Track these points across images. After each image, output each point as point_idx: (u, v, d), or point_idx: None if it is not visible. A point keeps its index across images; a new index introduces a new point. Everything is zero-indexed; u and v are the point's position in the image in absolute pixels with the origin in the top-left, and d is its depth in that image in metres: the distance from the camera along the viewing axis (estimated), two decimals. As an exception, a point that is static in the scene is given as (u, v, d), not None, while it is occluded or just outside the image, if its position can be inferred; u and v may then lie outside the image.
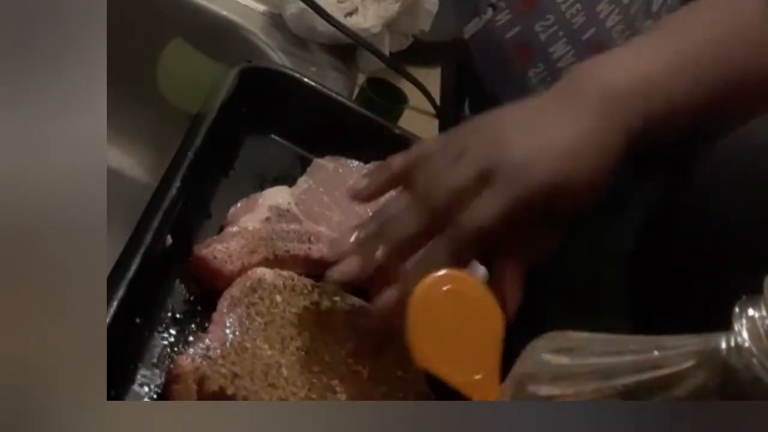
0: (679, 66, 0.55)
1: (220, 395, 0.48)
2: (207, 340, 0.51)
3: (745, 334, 0.33)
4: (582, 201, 0.53)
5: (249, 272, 0.56)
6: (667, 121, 0.54)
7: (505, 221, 0.51)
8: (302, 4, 0.83)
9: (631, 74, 0.54)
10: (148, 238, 0.53)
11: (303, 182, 0.66)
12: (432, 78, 0.98)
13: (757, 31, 0.57)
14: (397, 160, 0.57)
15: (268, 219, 0.60)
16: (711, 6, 0.59)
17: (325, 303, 0.56)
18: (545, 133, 0.53)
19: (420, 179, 0.54)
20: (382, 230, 0.54)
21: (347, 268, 0.54)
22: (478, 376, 0.46)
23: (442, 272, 0.46)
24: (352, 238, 0.55)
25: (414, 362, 0.47)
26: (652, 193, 0.69)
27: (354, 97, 0.84)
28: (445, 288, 0.46)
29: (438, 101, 0.95)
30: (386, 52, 0.88)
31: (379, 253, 0.52)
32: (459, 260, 0.52)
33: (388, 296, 0.52)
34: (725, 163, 0.60)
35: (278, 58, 0.84)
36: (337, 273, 0.54)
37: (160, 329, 0.54)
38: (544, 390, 0.38)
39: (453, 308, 0.46)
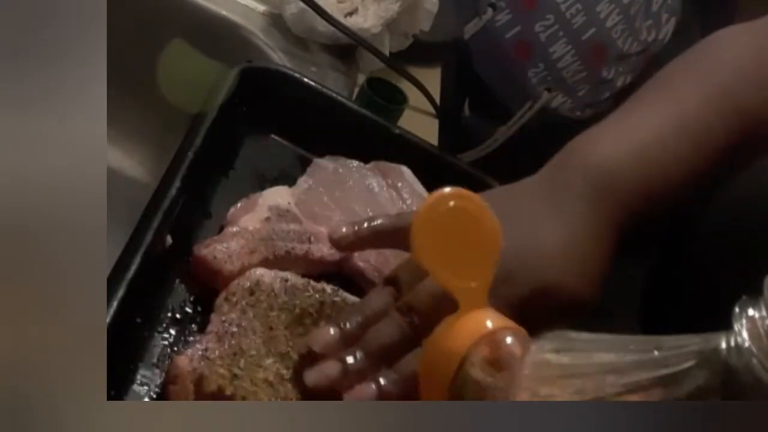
0: (659, 138, 0.54)
1: (219, 396, 0.48)
2: (205, 341, 0.51)
3: (745, 334, 0.33)
4: (581, 297, 0.52)
5: (247, 273, 0.56)
6: (660, 193, 0.53)
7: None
8: (302, 4, 0.83)
9: (614, 156, 0.53)
10: (148, 238, 0.53)
11: (303, 182, 0.66)
12: (432, 78, 0.98)
13: (747, 87, 0.55)
14: (384, 222, 0.57)
15: (268, 219, 0.60)
16: (696, 64, 0.58)
17: (325, 303, 0.56)
18: (533, 235, 0.52)
19: (403, 277, 0.53)
20: (365, 335, 0.51)
21: (323, 377, 0.50)
22: (472, 284, 0.46)
23: (449, 189, 0.47)
24: (333, 333, 0.52)
25: (415, 260, 0.47)
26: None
27: (354, 97, 0.84)
28: (451, 203, 0.46)
29: (438, 101, 0.95)
30: (386, 52, 0.88)
31: (359, 360, 0.50)
32: None
33: (366, 394, 0.49)
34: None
35: (278, 58, 0.84)
36: (313, 379, 0.50)
37: (160, 329, 0.54)
38: (544, 390, 0.38)
39: (455, 221, 0.46)
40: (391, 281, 0.53)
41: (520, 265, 0.51)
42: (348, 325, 0.52)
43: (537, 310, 0.50)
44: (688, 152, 0.53)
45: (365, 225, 0.58)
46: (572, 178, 0.53)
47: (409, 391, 0.49)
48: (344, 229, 0.58)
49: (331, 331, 0.52)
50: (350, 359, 0.50)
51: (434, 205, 0.46)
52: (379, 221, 0.58)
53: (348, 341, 0.51)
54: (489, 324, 0.45)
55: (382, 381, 0.49)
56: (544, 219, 0.52)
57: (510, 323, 0.45)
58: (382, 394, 0.49)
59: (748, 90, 0.55)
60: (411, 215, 0.55)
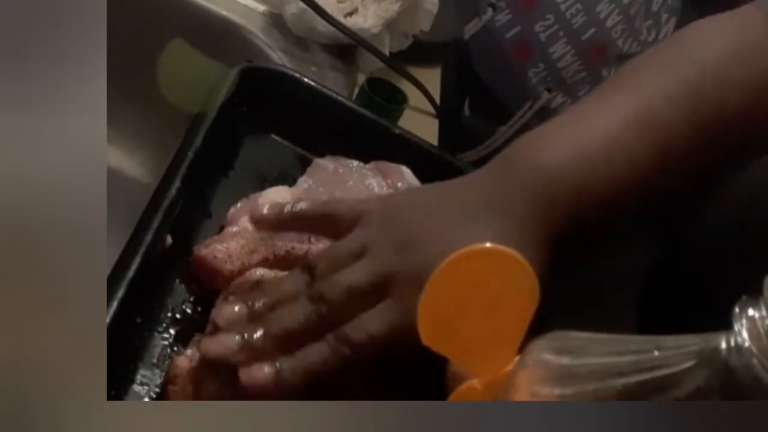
0: (614, 138, 0.51)
1: (218, 397, 0.48)
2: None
3: (745, 334, 0.33)
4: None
5: (247, 273, 0.56)
6: (603, 198, 0.51)
7: (399, 336, 0.47)
8: (302, 4, 0.83)
9: (561, 155, 0.51)
10: (148, 238, 0.53)
11: (303, 182, 0.66)
12: (432, 78, 0.98)
13: (715, 86, 0.53)
14: (307, 208, 0.56)
15: (268, 219, 0.60)
16: (664, 58, 0.56)
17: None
18: (457, 243, 0.45)
19: (320, 265, 0.51)
20: (271, 312, 0.50)
21: (220, 347, 0.49)
22: (499, 361, 0.42)
23: (462, 251, 0.42)
24: (238, 309, 0.51)
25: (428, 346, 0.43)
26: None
27: (354, 97, 0.84)
28: (465, 270, 0.42)
29: (438, 101, 0.95)
30: (386, 52, 0.88)
31: (258, 338, 0.48)
32: (339, 363, 0.48)
33: (261, 374, 0.47)
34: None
35: (278, 58, 0.84)
36: (210, 348, 0.49)
37: (160, 329, 0.54)
38: (544, 390, 0.38)
39: (473, 291, 0.42)
40: (308, 268, 0.51)
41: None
42: (255, 304, 0.51)
43: None
44: (644, 150, 0.51)
45: (288, 209, 0.57)
46: (512, 179, 0.51)
47: (308, 383, 0.47)
48: (265, 210, 0.57)
49: (236, 307, 0.51)
50: (250, 335, 0.48)
51: (440, 276, 0.42)
52: (302, 206, 0.56)
53: (252, 320, 0.50)
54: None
55: (279, 365, 0.47)
56: (478, 220, 0.50)
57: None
58: (279, 380, 0.47)
59: (715, 87, 0.53)
60: (338, 204, 0.56)
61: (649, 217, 0.62)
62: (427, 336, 0.42)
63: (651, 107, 0.52)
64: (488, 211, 0.50)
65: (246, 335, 0.48)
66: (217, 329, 0.50)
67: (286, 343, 0.48)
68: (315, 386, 0.48)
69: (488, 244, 0.42)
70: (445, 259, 0.42)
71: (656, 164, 0.51)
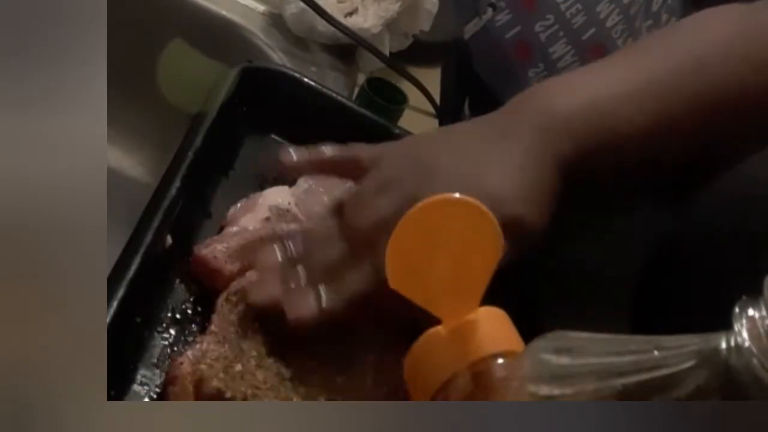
0: (625, 93, 0.55)
1: (218, 397, 0.48)
2: (205, 343, 0.51)
3: (745, 334, 0.33)
4: (531, 227, 0.52)
5: (248, 273, 0.56)
6: (608, 147, 0.54)
7: None
8: (302, 4, 0.83)
9: (575, 102, 0.54)
10: (148, 238, 0.53)
11: (303, 182, 0.66)
12: (432, 78, 0.98)
13: (721, 62, 0.56)
14: (334, 152, 0.59)
15: (268, 219, 0.60)
16: (676, 34, 0.60)
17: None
18: (475, 168, 0.52)
19: (348, 204, 0.54)
20: (306, 253, 0.54)
21: (265, 295, 0.53)
22: (459, 302, 0.44)
23: (428, 199, 0.44)
24: (279, 256, 0.54)
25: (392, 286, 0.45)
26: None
27: (354, 97, 0.84)
28: (429, 214, 0.44)
29: (438, 101, 0.95)
30: (386, 52, 0.88)
31: (301, 277, 0.52)
32: (377, 290, 0.49)
33: (306, 307, 0.51)
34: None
35: (278, 58, 0.84)
36: (256, 297, 0.53)
37: (160, 329, 0.54)
38: (544, 390, 0.38)
39: (435, 233, 0.45)
40: (337, 210, 0.55)
41: (467, 183, 0.50)
42: (293, 250, 0.54)
43: None
44: (649, 110, 0.54)
45: (314, 154, 0.59)
46: (522, 118, 0.54)
47: (349, 312, 0.51)
48: (295, 156, 0.59)
49: (276, 252, 0.54)
50: (292, 277, 0.52)
51: (407, 222, 0.44)
52: (327, 150, 0.59)
53: (291, 263, 0.53)
54: (476, 349, 0.43)
55: (322, 295, 0.51)
56: (486, 156, 0.53)
57: (502, 345, 0.43)
58: (322, 312, 0.50)
59: (722, 68, 0.56)
60: (360, 146, 0.59)
61: (649, 201, 0.64)
62: (395, 280, 0.44)
63: (662, 74, 0.56)
64: (500, 140, 0.54)
65: (287, 280, 0.52)
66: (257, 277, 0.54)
67: (325, 279, 0.52)
68: (354, 317, 0.51)
69: (456, 195, 0.44)
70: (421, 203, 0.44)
71: (659, 128, 0.55)
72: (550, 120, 0.54)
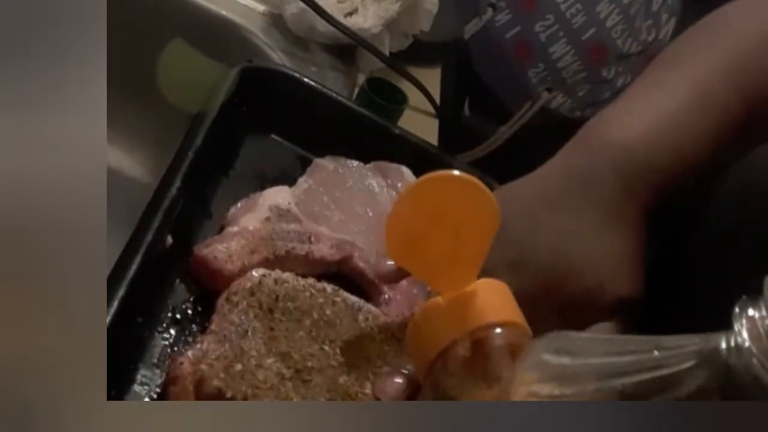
0: (677, 115, 0.53)
1: (218, 397, 0.48)
2: (206, 343, 0.51)
3: (745, 334, 0.33)
4: (629, 294, 0.51)
5: (248, 273, 0.56)
6: (680, 173, 0.52)
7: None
8: (302, 4, 0.83)
9: (635, 136, 0.52)
10: (149, 238, 0.53)
11: (303, 182, 0.66)
12: (432, 78, 0.98)
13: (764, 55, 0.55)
14: None
15: (268, 219, 0.60)
16: (715, 31, 0.58)
17: (325, 304, 0.56)
18: (572, 236, 0.50)
19: None
20: None
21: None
22: (457, 271, 0.45)
23: (430, 174, 0.44)
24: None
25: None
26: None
27: (354, 97, 0.84)
28: (429, 188, 0.45)
29: (438, 101, 0.95)
30: (386, 52, 0.88)
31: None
32: None
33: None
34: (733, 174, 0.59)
35: (278, 58, 0.84)
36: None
37: (161, 329, 0.54)
38: (544, 390, 0.38)
39: (432, 208, 0.45)
40: None
41: (567, 269, 0.50)
42: None
43: (585, 312, 0.49)
44: (705, 128, 0.53)
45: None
46: (596, 163, 0.52)
47: None
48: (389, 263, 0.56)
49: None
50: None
51: (406, 198, 0.45)
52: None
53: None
54: (475, 318, 0.44)
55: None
56: (579, 217, 0.51)
57: (501, 314, 0.44)
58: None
59: (761, 60, 0.55)
60: None
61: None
62: (393, 252, 0.45)
63: (709, 82, 0.54)
64: (579, 199, 0.51)
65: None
66: None
67: None
68: None
69: (455, 171, 0.45)
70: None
71: (713, 141, 0.53)
72: (623, 164, 0.51)
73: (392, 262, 0.55)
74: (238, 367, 0.50)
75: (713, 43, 0.57)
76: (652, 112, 0.53)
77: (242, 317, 0.53)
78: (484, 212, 0.45)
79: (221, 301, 0.54)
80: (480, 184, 0.45)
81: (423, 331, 0.46)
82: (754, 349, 0.33)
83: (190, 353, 0.50)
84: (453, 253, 0.45)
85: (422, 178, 0.45)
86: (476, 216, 0.45)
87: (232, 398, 0.48)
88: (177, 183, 0.57)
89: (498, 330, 0.44)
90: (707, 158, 0.53)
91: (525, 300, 0.47)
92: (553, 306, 0.50)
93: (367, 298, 0.59)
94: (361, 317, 0.56)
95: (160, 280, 0.56)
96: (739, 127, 0.54)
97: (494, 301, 0.45)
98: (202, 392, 0.48)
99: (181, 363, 0.50)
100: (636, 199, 0.51)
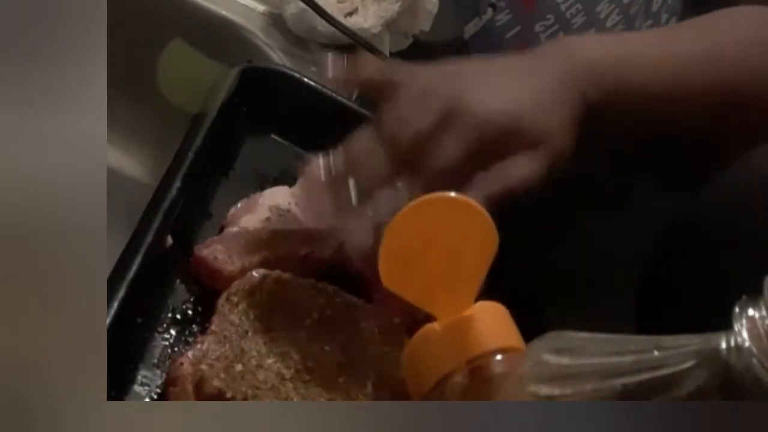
0: (647, 57, 0.58)
1: (218, 398, 0.48)
2: (206, 343, 0.51)
3: (745, 334, 0.33)
4: (543, 146, 0.54)
5: (248, 274, 0.56)
6: (621, 101, 0.57)
7: (468, 160, 0.52)
8: (302, 4, 0.83)
9: (601, 51, 0.57)
10: (149, 238, 0.53)
11: (303, 182, 0.66)
12: (432, 78, 0.98)
13: (740, 57, 0.59)
14: (376, 75, 0.59)
15: (268, 219, 0.60)
16: (704, 25, 0.62)
17: (326, 304, 0.56)
18: (505, 84, 0.55)
19: (385, 119, 0.55)
20: (352, 172, 0.55)
21: (359, 242, 0.53)
22: (454, 299, 0.44)
23: (422, 198, 0.44)
24: (323, 173, 0.55)
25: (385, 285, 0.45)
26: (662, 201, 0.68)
27: (354, 97, 0.84)
28: (421, 213, 0.44)
29: (438, 101, 0.95)
30: (386, 52, 0.88)
31: (353, 200, 0.53)
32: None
33: (361, 240, 0.52)
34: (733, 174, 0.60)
35: (278, 58, 0.84)
36: (353, 250, 0.53)
37: (161, 329, 0.54)
38: (544, 390, 0.38)
39: (428, 232, 0.44)
40: (375, 127, 0.56)
41: (487, 107, 0.54)
42: (336, 163, 0.55)
43: (505, 150, 0.53)
44: (667, 78, 0.58)
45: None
46: (550, 59, 0.57)
47: None
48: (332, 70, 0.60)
49: (321, 168, 0.55)
50: (341, 195, 0.53)
51: (400, 221, 0.44)
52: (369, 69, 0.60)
53: (338, 179, 0.54)
54: (473, 346, 0.43)
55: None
56: (517, 78, 0.56)
57: (500, 341, 0.43)
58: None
59: (740, 64, 0.59)
60: (397, 70, 0.59)
61: (662, 180, 0.66)
62: (387, 279, 0.43)
63: (681, 49, 0.60)
64: (530, 69, 0.57)
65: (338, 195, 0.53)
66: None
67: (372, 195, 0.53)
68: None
69: (452, 193, 0.44)
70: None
71: (674, 99, 0.58)
72: (576, 63, 0.56)
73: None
74: (239, 367, 0.50)
75: (701, 30, 0.62)
76: (619, 45, 0.59)
77: (242, 317, 0.53)
78: (481, 235, 0.44)
79: (221, 301, 0.54)
80: (476, 205, 0.44)
81: (419, 358, 0.44)
82: (754, 349, 0.33)
83: (190, 353, 0.50)
84: (449, 277, 0.44)
85: (416, 200, 0.44)
86: (472, 239, 0.44)
87: (232, 398, 0.48)
88: (177, 183, 0.57)
89: (498, 357, 0.43)
90: (662, 111, 0.58)
91: (452, 152, 0.52)
92: (478, 160, 0.53)
93: (367, 298, 0.59)
94: (361, 317, 0.56)
95: (160, 281, 0.56)
96: (706, 104, 0.58)
97: (493, 326, 0.44)
98: (202, 392, 0.48)
99: (181, 363, 0.50)
100: (575, 89, 0.56)
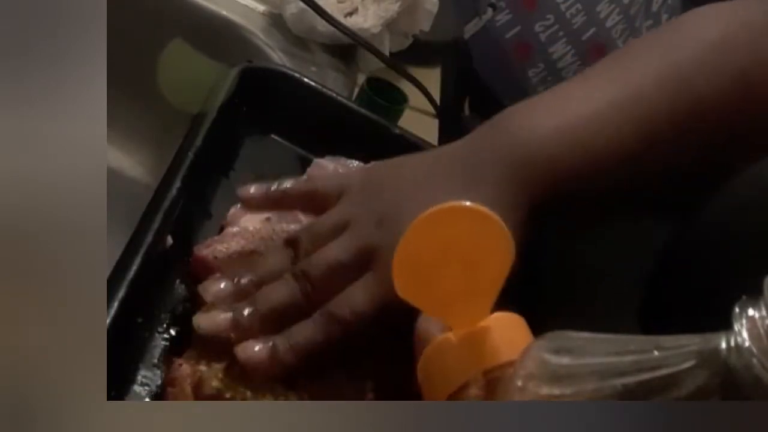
0: (598, 112, 0.51)
1: (217, 399, 0.48)
2: (205, 344, 0.51)
3: (745, 334, 0.33)
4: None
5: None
6: (586, 172, 0.51)
7: (384, 308, 0.49)
8: (302, 4, 0.83)
9: (542, 127, 0.51)
10: (149, 238, 0.53)
11: (303, 182, 0.66)
12: (432, 78, 0.98)
13: (697, 70, 0.53)
14: (294, 187, 0.57)
15: (268, 219, 0.60)
16: (654, 41, 0.57)
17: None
18: (442, 200, 0.48)
19: (303, 240, 0.53)
20: (258, 291, 0.51)
21: (211, 323, 0.50)
22: (469, 309, 0.43)
23: (435, 208, 0.42)
24: (225, 286, 0.52)
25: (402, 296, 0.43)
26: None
27: (354, 97, 0.84)
28: (436, 226, 0.43)
29: (438, 101, 0.95)
30: (386, 52, 0.88)
31: (247, 316, 0.50)
32: (328, 339, 0.49)
33: (257, 354, 0.49)
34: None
35: (278, 58, 0.84)
36: (204, 324, 0.50)
37: (161, 329, 0.54)
38: (544, 390, 0.38)
39: (444, 243, 0.43)
40: (291, 243, 0.53)
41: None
42: (242, 280, 0.52)
43: None
44: (626, 128, 0.51)
45: (273, 187, 0.58)
46: (491, 147, 0.51)
47: (301, 360, 0.48)
48: (252, 190, 0.58)
49: (223, 283, 0.52)
50: (242, 312, 0.50)
51: (415, 231, 0.43)
52: (287, 184, 0.58)
53: (239, 296, 0.51)
54: (490, 357, 0.42)
55: (272, 343, 0.49)
56: (456, 188, 0.51)
57: (518, 352, 0.41)
58: (273, 358, 0.48)
59: (707, 74, 0.53)
60: (321, 179, 0.57)
61: (648, 209, 0.63)
62: (402, 288, 0.43)
63: (640, 88, 0.52)
64: (467, 179, 0.51)
65: (235, 313, 0.50)
66: (201, 303, 0.51)
67: (275, 320, 0.50)
68: (310, 362, 0.49)
69: (467, 203, 0.43)
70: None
71: (640, 146, 0.52)
72: (518, 154, 0.50)
73: (256, 191, 0.57)
74: (238, 368, 0.50)
75: (658, 48, 0.55)
76: (567, 106, 0.52)
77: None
78: (497, 244, 0.43)
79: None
80: (492, 215, 0.43)
81: (434, 369, 0.44)
82: (754, 349, 0.33)
83: (189, 354, 0.50)
84: (465, 287, 0.43)
85: (431, 210, 0.43)
86: (489, 248, 0.43)
87: (232, 399, 0.48)
88: (177, 183, 0.57)
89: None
90: (635, 161, 0.52)
91: (386, 257, 0.47)
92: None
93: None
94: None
95: (160, 281, 0.56)
96: (673, 136, 0.52)
97: (509, 337, 0.43)
98: (201, 393, 0.48)
99: (180, 364, 0.50)
100: (522, 189, 0.50)
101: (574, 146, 0.51)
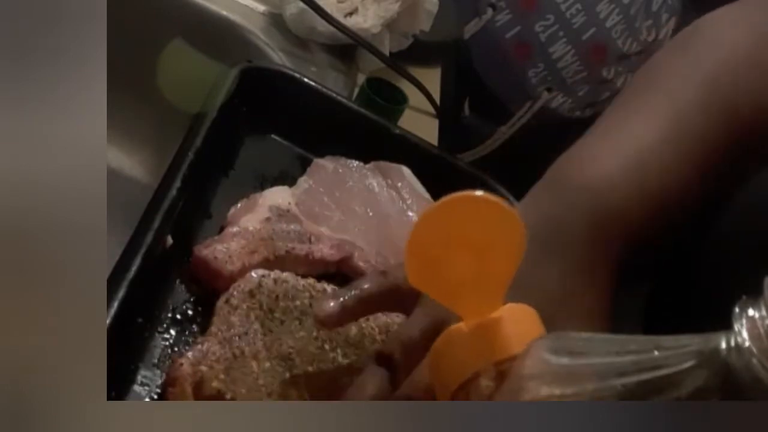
0: (658, 141, 0.49)
1: (218, 399, 0.48)
2: (206, 344, 0.51)
3: (745, 334, 0.33)
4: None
5: (248, 275, 0.56)
6: (647, 216, 0.49)
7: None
8: (302, 4, 0.83)
9: (610, 168, 0.48)
10: (149, 238, 0.53)
11: (303, 182, 0.66)
12: (432, 78, 0.98)
13: (731, 76, 0.51)
14: (370, 287, 0.51)
15: (268, 219, 0.60)
16: (684, 52, 0.54)
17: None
18: (528, 279, 0.45)
19: (396, 355, 0.48)
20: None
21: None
22: (479, 299, 0.42)
23: (446, 197, 0.41)
24: None
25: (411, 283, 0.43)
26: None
27: (354, 97, 0.84)
28: (449, 212, 0.42)
29: (438, 101, 0.95)
30: (386, 52, 0.88)
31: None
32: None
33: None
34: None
35: (278, 58, 0.84)
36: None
37: (161, 329, 0.54)
38: (544, 390, 0.38)
39: (453, 232, 0.42)
40: (384, 359, 0.48)
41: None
42: None
43: None
44: (681, 165, 0.49)
45: (350, 295, 0.51)
46: (565, 209, 0.48)
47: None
48: (331, 305, 0.51)
49: None
50: None
51: (426, 219, 0.42)
52: (365, 286, 0.51)
53: None
54: (501, 348, 0.41)
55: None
56: (544, 270, 0.47)
57: (524, 344, 0.41)
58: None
59: (736, 80, 0.51)
60: (398, 270, 0.51)
61: None
62: (413, 277, 0.42)
63: (686, 113, 0.50)
64: (548, 251, 0.48)
65: None
66: None
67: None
68: None
69: (478, 192, 0.42)
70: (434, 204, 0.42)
71: (696, 172, 0.50)
72: (592, 202, 0.48)
73: (333, 304, 0.51)
74: (238, 368, 0.50)
75: (689, 63, 0.53)
76: (630, 144, 0.49)
77: (242, 318, 0.53)
78: (509, 234, 0.42)
79: (221, 302, 0.54)
80: (504, 204, 0.42)
81: (445, 359, 0.43)
82: (754, 349, 0.33)
83: (190, 354, 0.50)
84: (477, 277, 0.42)
85: (443, 199, 0.42)
86: (501, 238, 0.42)
87: (232, 399, 0.48)
88: (177, 183, 0.57)
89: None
90: (688, 195, 0.50)
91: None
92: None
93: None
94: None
95: (160, 281, 0.56)
96: (725, 157, 0.50)
97: (521, 328, 0.42)
98: (201, 393, 0.48)
99: (181, 364, 0.50)
100: (606, 249, 0.48)
101: (634, 189, 0.48)
